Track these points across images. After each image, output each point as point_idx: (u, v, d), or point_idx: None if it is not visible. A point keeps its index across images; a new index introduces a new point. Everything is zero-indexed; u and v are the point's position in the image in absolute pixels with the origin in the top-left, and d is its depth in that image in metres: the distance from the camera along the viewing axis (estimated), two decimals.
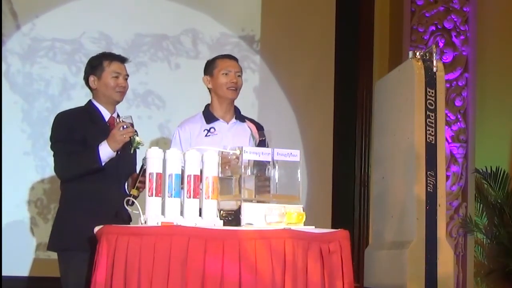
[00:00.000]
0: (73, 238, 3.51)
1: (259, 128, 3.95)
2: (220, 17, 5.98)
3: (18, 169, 5.48)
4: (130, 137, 3.51)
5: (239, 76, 3.92)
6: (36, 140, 5.53)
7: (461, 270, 5.77)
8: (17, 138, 5.53)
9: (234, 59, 3.99)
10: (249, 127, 3.93)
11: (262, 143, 3.61)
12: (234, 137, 3.84)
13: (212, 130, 3.88)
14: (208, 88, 3.96)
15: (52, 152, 3.69)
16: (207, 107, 3.97)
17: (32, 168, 5.54)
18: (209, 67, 3.95)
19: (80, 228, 3.43)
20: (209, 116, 3.93)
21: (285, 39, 6.04)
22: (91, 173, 3.54)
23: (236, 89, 3.91)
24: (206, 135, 3.87)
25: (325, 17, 6.16)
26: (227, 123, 3.92)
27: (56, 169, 3.66)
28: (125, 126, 3.51)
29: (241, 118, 3.96)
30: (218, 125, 3.91)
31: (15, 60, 5.62)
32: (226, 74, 3.89)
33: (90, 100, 3.79)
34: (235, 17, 6.05)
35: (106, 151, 3.51)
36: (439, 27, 5.97)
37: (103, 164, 3.52)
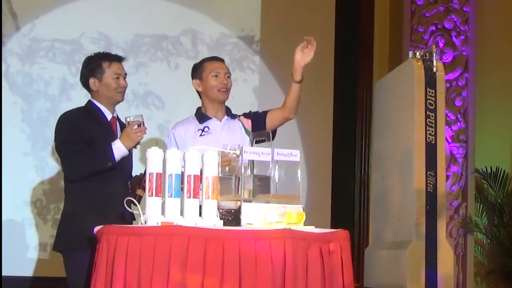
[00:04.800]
0: (78, 238, 3.51)
1: (256, 117, 3.99)
2: (220, 18, 5.98)
3: (17, 170, 5.47)
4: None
5: (228, 77, 3.95)
6: (35, 141, 5.52)
7: (461, 270, 5.77)
8: (17, 139, 5.53)
9: (221, 60, 4.02)
10: (241, 121, 3.96)
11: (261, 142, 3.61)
12: (228, 134, 3.87)
13: (206, 129, 3.91)
14: (198, 92, 3.98)
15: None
16: (199, 109, 3.99)
17: (32, 169, 5.54)
18: (197, 71, 3.97)
19: (85, 228, 3.42)
20: (201, 116, 3.96)
21: (284, 39, 6.04)
22: (103, 171, 3.54)
23: (227, 90, 3.92)
24: (200, 135, 3.89)
25: (325, 17, 6.16)
26: (220, 121, 3.94)
27: (65, 169, 3.64)
28: (138, 125, 3.54)
29: (232, 115, 3.98)
30: (212, 123, 3.93)
31: (14, 61, 5.62)
32: (215, 76, 3.91)
33: (90, 100, 3.79)
34: (234, 17, 6.05)
35: (120, 149, 3.53)
36: (439, 27, 5.98)
37: (116, 162, 3.53)
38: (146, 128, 3.57)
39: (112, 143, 3.53)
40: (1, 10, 5.55)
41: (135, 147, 3.60)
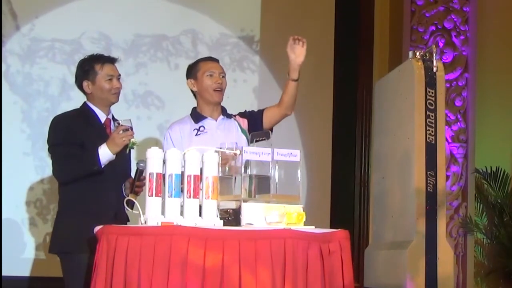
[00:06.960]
0: (73, 240, 3.53)
1: (253, 116, 3.99)
2: (220, 18, 5.98)
3: (17, 170, 5.47)
4: (129, 140, 3.53)
5: (223, 77, 3.95)
6: (35, 141, 5.52)
7: (461, 270, 5.77)
8: (17, 139, 5.53)
9: (216, 60, 4.03)
10: (237, 121, 3.96)
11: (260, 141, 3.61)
12: (224, 133, 3.87)
13: (201, 128, 3.91)
14: (193, 92, 3.98)
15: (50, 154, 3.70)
16: (194, 109, 4.00)
17: (32, 169, 5.54)
18: (192, 71, 3.98)
19: (79, 230, 3.44)
20: (197, 115, 3.96)
21: (284, 39, 6.00)
22: (90, 175, 3.55)
23: (221, 90, 3.93)
24: (196, 134, 3.89)
25: (325, 17, 6.16)
26: (216, 120, 3.94)
27: (54, 171, 3.66)
28: (124, 130, 3.53)
29: (228, 115, 3.99)
30: (207, 123, 3.93)
31: (14, 61, 5.61)
32: (210, 75, 3.92)
33: (85, 102, 3.80)
34: (234, 17, 6.05)
35: (105, 154, 3.53)
36: (439, 27, 5.97)
37: (102, 166, 3.53)
38: (133, 133, 3.57)
39: (98, 148, 3.54)
40: (1, 10, 5.54)
41: (132, 147, 3.60)
